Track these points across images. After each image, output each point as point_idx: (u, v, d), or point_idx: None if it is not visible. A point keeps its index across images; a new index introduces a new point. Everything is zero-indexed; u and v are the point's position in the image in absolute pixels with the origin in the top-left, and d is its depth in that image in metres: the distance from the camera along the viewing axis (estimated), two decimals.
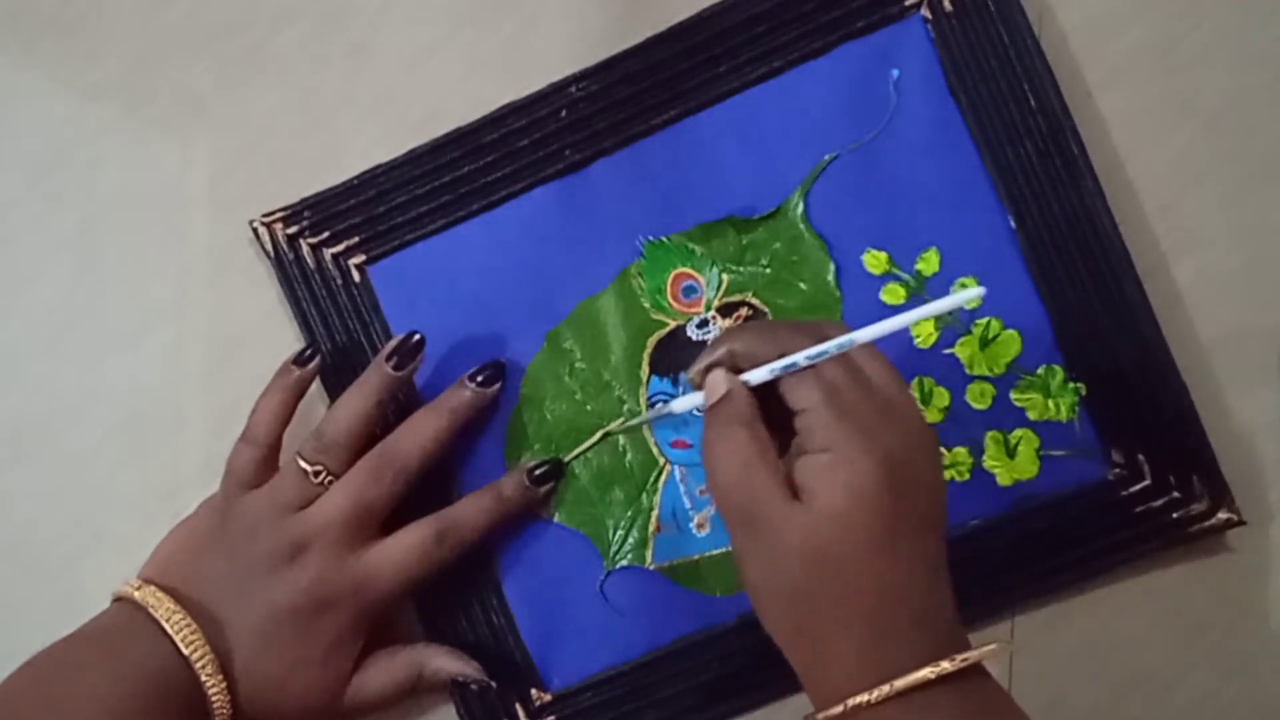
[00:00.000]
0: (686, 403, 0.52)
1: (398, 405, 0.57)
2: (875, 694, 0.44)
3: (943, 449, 0.57)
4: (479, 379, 0.57)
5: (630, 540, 0.58)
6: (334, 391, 0.59)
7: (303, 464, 0.55)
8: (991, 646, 0.45)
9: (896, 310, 0.57)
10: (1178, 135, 0.58)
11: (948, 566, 0.47)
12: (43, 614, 0.59)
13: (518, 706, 0.58)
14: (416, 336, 0.56)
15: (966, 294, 0.48)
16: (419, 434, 0.56)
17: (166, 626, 0.52)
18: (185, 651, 0.51)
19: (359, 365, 0.59)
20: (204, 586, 0.53)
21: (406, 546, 0.55)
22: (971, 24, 0.57)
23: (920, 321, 0.50)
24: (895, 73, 0.58)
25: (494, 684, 0.56)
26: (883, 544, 0.45)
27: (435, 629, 0.58)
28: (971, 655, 0.44)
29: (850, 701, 0.44)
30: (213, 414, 0.60)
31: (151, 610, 0.52)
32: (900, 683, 0.44)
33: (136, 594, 0.53)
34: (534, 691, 0.58)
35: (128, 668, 0.51)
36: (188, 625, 0.52)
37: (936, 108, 0.58)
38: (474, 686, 0.56)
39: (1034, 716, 0.58)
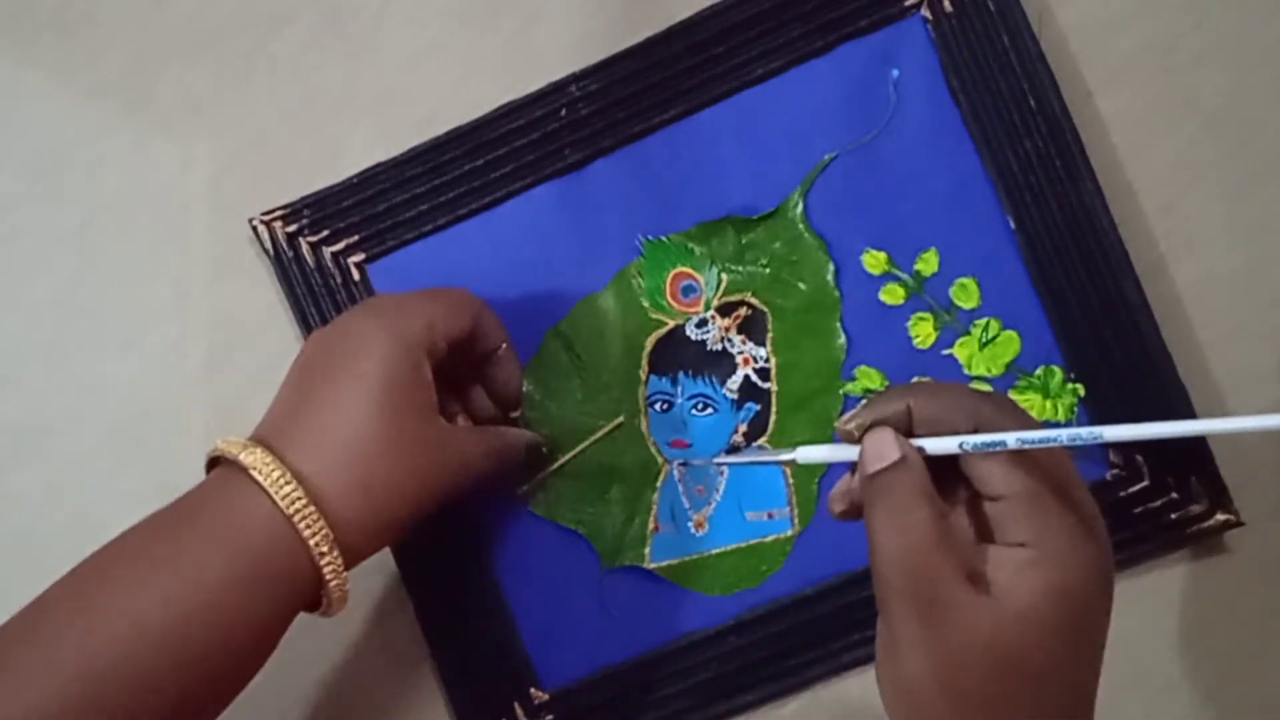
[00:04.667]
0: (817, 454, 0.46)
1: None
2: None
3: None
4: None
5: (629, 539, 0.58)
6: None
7: None
8: None
9: (894, 310, 0.58)
10: (1177, 135, 0.58)
11: None
12: None
13: (516, 705, 0.58)
14: None
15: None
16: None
17: (266, 486, 0.48)
18: (286, 510, 0.47)
19: None
20: (282, 410, 0.51)
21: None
22: (972, 24, 0.57)
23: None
24: (895, 73, 0.58)
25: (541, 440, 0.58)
26: (1076, 658, 0.41)
27: (435, 628, 0.59)
28: None
29: None
30: (213, 414, 0.61)
31: (253, 473, 0.48)
32: None
33: (224, 446, 0.50)
34: (532, 690, 0.58)
35: (225, 534, 0.48)
36: (288, 483, 0.48)
37: (936, 108, 0.57)
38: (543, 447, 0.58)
39: None
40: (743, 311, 0.59)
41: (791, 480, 0.58)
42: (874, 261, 0.58)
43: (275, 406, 0.52)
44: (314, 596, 0.50)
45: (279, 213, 0.59)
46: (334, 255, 0.59)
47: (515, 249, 0.59)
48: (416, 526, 0.52)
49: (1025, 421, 0.43)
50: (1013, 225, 0.57)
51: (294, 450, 0.49)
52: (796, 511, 0.58)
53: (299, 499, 0.48)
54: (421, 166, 0.59)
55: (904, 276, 0.58)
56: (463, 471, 0.53)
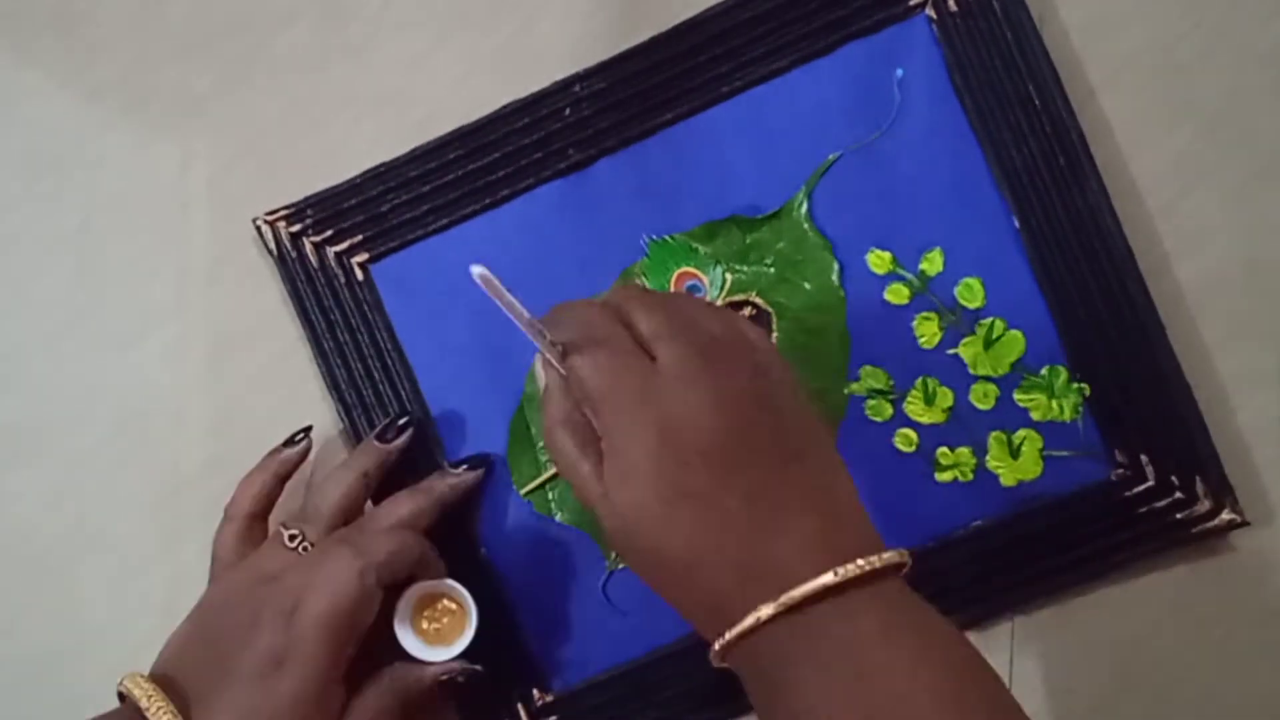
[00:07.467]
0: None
1: (383, 477, 0.57)
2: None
3: (946, 449, 0.57)
4: (461, 467, 0.58)
5: None
6: (334, 388, 0.59)
7: (282, 530, 0.55)
8: (891, 554, 0.44)
9: (899, 309, 0.58)
10: (1180, 135, 0.58)
11: (829, 486, 0.46)
12: (43, 614, 0.59)
13: (519, 707, 0.58)
14: (404, 419, 0.58)
15: None
16: (395, 515, 0.56)
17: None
18: None
19: (360, 363, 0.59)
20: (192, 673, 0.52)
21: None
22: (976, 23, 0.57)
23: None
24: (899, 72, 0.58)
25: (480, 668, 0.55)
26: (683, 509, 0.45)
27: None
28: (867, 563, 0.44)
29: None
30: (213, 414, 0.60)
31: (142, 707, 0.50)
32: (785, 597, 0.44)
33: (131, 686, 0.51)
34: (536, 692, 0.58)
35: None
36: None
37: (941, 107, 0.58)
38: (461, 679, 0.55)
39: (1035, 715, 0.58)
40: (747, 311, 0.59)
41: None
42: (879, 261, 0.58)
43: (193, 645, 0.53)
44: None
45: (282, 212, 0.59)
46: (337, 255, 0.59)
47: (519, 249, 0.59)
48: None
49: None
50: (1017, 224, 0.57)
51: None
52: None
53: None
54: (425, 166, 0.59)
55: (909, 276, 0.58)
56: None
